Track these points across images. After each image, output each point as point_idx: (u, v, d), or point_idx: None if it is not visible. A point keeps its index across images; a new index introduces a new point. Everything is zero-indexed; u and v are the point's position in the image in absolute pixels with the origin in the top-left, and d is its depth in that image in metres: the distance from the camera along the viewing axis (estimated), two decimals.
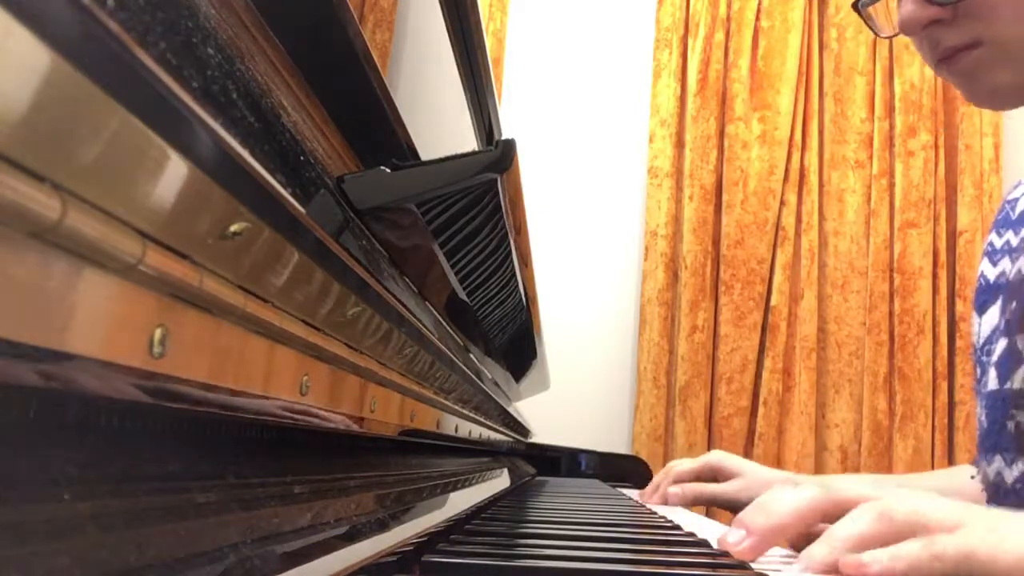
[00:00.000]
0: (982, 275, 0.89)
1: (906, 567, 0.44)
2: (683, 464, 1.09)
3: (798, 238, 2.41)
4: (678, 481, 1.06)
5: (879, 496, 0.50)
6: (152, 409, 0.21)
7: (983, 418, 0.82)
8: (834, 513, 0.50)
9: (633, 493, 1.19)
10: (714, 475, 1.06)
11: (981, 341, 0.85)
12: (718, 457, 1.08)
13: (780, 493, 0.54)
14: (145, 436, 0.22)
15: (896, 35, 0.79)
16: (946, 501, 0.49)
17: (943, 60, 0.75)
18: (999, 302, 0.83)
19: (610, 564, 0.40)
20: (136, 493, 0.19)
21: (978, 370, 0.85)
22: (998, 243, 0.88)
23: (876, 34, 0.83)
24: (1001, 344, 0.80)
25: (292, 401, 0.27)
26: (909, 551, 0.44)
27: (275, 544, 0.23)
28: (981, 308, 0.87)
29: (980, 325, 0.86)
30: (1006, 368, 0.78)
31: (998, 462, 0.79)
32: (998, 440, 0.78)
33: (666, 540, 0.53)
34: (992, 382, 0.80)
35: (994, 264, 0.87)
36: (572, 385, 2.27)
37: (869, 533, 0.47)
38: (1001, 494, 0.78)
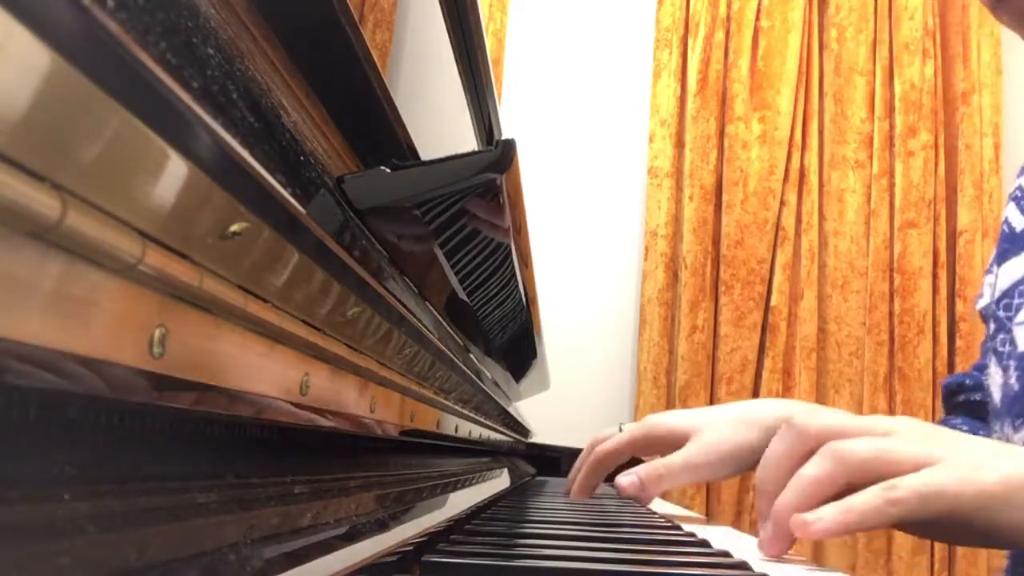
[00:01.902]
0: (1006, 222, 0.82)
1: (858, 518, 0.43)
2: (610, 445, 0.84)
3: (798, 238, 2.41)
4: (603, 464, 0.84)
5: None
6: (152, 409, 0.21)
7: (1013, 380, 0.75)
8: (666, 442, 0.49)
9: None
10: (652, 448, 0.83)
11: (998, 293, 0.79)
12: (652, 424, 0.83)
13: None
14: (145, 436, 0.22)
15: None
16: (923, 430, 0.48)
17: (1000, 1, 0.70)
18: None
19: (610, 564, 0.40)
20: (136, 493, 0.19)
21: (992, 325, 0.79)
22: None
23: None
24: None
25: (292, 401, 0.27)
26: (863, 501, 0.44)
27: (275, 544, 0.23)
28: (1002, 257, 0.80)
29: (998, 276, 0.80)
30: None
31: None
32: None
33: (666, 540, 0.53)
34: (1022, 343, 0.74)
35: (1023, 211, 0.80)
36: (572, 385, 2.27)
37: (828, 477, 0.47)
38: None
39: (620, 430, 0.86)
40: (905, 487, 0.44)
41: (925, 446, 0.47)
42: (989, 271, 0.83)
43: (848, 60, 2.48)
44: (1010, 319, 0.76)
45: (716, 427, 0.76)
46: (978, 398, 0.89)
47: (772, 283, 2.38)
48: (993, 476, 0.44)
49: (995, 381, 0.77)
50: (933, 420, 2.31)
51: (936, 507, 0.44)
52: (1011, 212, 0.82)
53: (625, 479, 0.68)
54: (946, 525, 0.45)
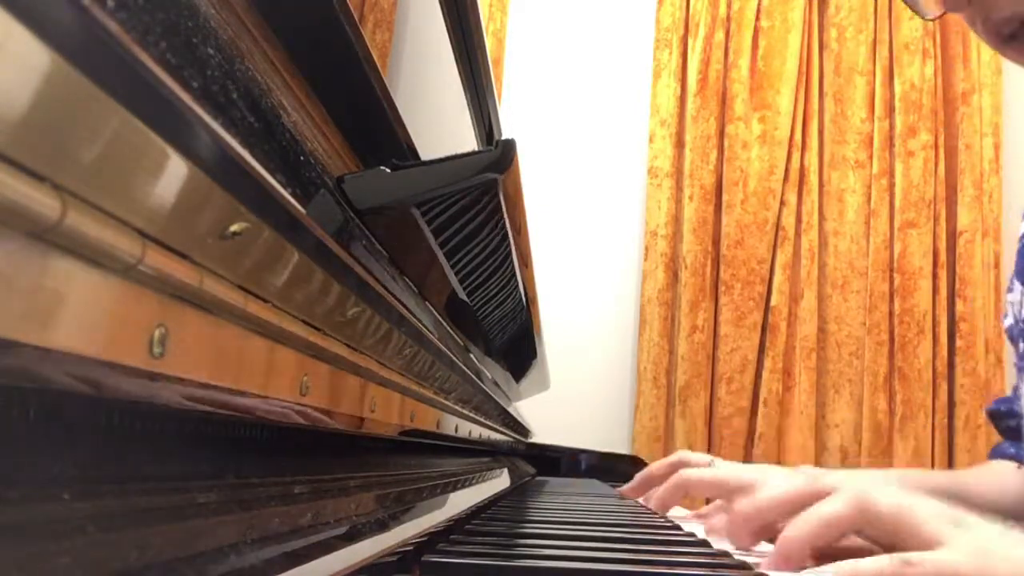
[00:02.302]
0: None
1: None
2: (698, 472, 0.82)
3: (798, 238, 2.41)
4: (684, 489, 0.81)
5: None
6: (152, 409, 0.21)
7: None
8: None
9: None
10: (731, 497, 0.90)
11: None
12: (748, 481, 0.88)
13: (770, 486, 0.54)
14: (145, 436, 0.22)
15: (943, 15, 0.72)
16: (937, 509, 0.47)
17: (1009, 40, 0.68)
18: None
19: (610, 564, 0.40)
20: (136, 493, 0.19)
21: (1021, 344, 0.78)
22: None
23: (922, 16, 0.75)
24: None
25: (292, 401, 0.27)
26: (877, 568, 0.43)
27: (275, 544, 0.23)
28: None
29: (1023, 293, 0.78)
30: None
31: None
32: None
33: (666, 540, 0.53)
34: None
35: None
36: (572, 385, 2.27)
37: (843, 520, 0.46)
38: None
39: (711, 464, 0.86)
40: (923, 564, 0.43)
41: (945, 522, 0.46)
42: (1010, 289, 0.82)
43: (848, 60, 2.48)
44: None
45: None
46: (1014, 424, 0.88)
47: (772, 283, 2.38)
48: (1006, 567, 0.43)
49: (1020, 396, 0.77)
50: (933, 420, 2.32)
51: None
52: None
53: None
54: None
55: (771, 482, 0.72)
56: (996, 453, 0.92)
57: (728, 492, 0.77)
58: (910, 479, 0.83)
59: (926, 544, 0.44)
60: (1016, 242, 0.82)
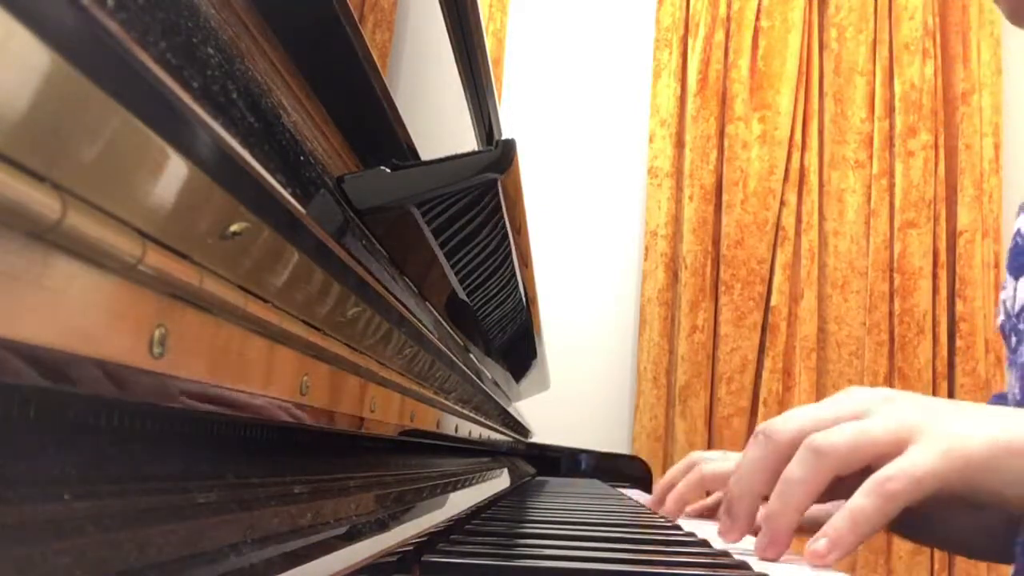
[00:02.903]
0: (1019, 233, 0.81)
1: (866, 526, 0.43)
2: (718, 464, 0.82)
3: (798, 238, 2.41)
4: (706, 483, 0.81)
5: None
6: (152, 409, 0.21)
7: (1016, 391, 0.76)
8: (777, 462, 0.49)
9: (633, 493, 1.19)
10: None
11: (1017, 307, 0.78)
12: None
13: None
14: (145, 436, 0.22)
15: None
16: (896, 401, 0.48)
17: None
18: None
19: (610, 564, 0.40)
20: (136, 493, 0.19)
21: (1012, 339, 0.78)
22: None
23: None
24: None
25: (292, 401, 0.27)
26: (862, 506, 0.44)
27: (275, 544, 0.23)
28: (1019, 271, 0.79)
29: (1017, 289, 0.79)
30: None
31: None
32: None
33: (666, 540, 0.53)
34: None
35: None
36: (572, 385, 2.27)
37: (814, 476, 0.46)
38: None
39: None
40: (898, 477, 0.44)
41: (902, 420, 0.46)
42: (1004, 287, 0.83)
43: (848, 60, 2.48)
44: None
45: None
46: None
47: (772, 283, 2.38)
48: (977, 443, 0.44)
49: (1013, 394, 0.77)
50: None
51: (930, 487, 0.44)
52: (1022, 223, 0.81)
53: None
54: (930, 511, 0.45)
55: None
56: None
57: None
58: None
59: (894, 450, 0.45)
60: (1012, 237, 0.82)
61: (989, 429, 0.45)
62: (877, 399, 0.49)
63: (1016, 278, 0.80)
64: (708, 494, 0.90)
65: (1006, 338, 0.82)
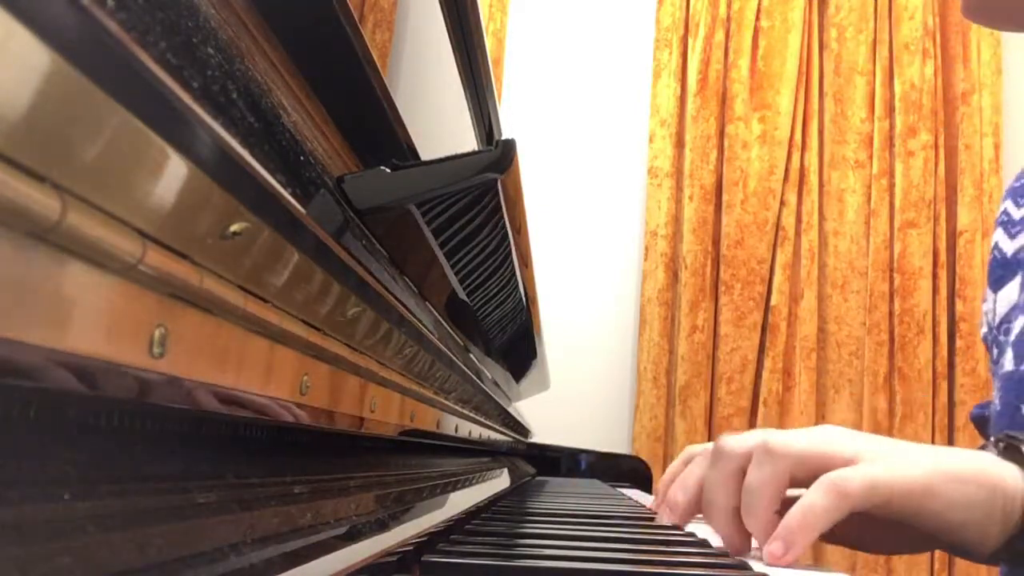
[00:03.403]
0: (996, 247, 0.82)
1: (820, 517, 0.46)
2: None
3: (798, 238, 2.41)
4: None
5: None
6: (152, 409, 0.21)
7: (996, 400, 0.78)
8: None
9: (633, 493, 1.19)
10: None
11: (998, 320, 0.80)
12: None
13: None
14: (145, 436, 0.22)
15: None
16: (850, 432, 0.51)
17: None
18: (1018, 277, 0.78)
19: (610, 564, 0.40)
20: (136, 493, 0.19)
21: (995, 351, 0.80)
22: (1016, 214, 0.81)
23: None
24: (1020, 322, 0.75)
25: (292, 401, 0.27)
26: (816, 499, 0.46)
27: (275, 544, 0.23)
28: (997, 283, 0.81)
29: (996, 302, 0.81)
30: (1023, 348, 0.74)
31: None
32: (1010, 424, 0.75)
33: (666, 540, 0.53)
34: (1008, 362, 0.76)
35: (1012, 237, 0.81)
36: (572, 385, 2.27)
37: (773, 475, 0.49)
38: None
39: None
40: (853, 478, 0.47)
41: (856, 442, 0.50)
42: (985, 300, 0.84)
43: (848, 60, 2.48)
44: (1007, 342, 0.77)
45: None
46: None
47: (772, 283, 2.38)
48: (922, 469, 0.48)
49: (994, 404, 0.79)
50: (933, 420, 2.32)
51: (877, 497, 0.46)
52: (1000, 237, 0.83)
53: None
54: (873, 523, 0.49)
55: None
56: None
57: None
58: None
59: (846, 464, 0.48)
60: (991, 251, 0.84)
61: (935, 459, 0.49)
62: (831, 428, 0.53)
63: (995, 291, 0.81)
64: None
65: (989, 349, 0.83)
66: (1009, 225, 0.82)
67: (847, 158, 2.46)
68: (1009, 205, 0.83)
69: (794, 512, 0.46)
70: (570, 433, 1.94)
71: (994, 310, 0.81)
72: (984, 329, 0.84)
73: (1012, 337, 0.76)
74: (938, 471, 0.48)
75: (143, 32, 0.16)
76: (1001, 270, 0.81)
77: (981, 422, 0.93)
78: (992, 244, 0.84)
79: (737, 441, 0.52)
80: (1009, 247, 0.81)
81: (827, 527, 0.46)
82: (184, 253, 0.18)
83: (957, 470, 0.48)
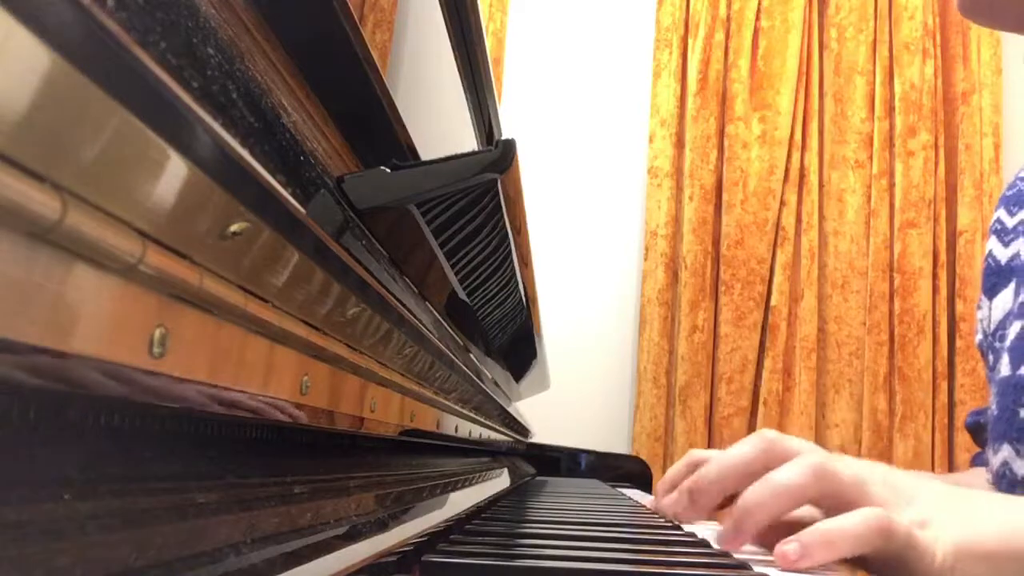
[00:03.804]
0: (990, 255, 0.83)
1: (832, 555, 0.43)
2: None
3: (798, 238, 2.41)
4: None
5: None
6: (152, 409, 0.21)
7: (993, 405, 0.78)
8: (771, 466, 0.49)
9: (633, 493, 1.19)
10: None
11: (993, 326, 0.80)
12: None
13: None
14: (145, 436, 0.22)
15: None
16: (892, 482, 0.49)
17: None
18: (1012, 284, 0.79)
19: (610, 564, 0.40)
20: (136, 493, 0.19)
21: (991, 357, 0.81)
22: (1010, 222, 0.82)
23: None
24: (1015, 328, 0.76)
25: (292, 401, 0.27)
26: (840, 532, 0.44)
27: (275, 544, 0.23)
28: (991, 291, 0.82)
29: (991, 309, 0.81)
30: (1020, 353, 0.74)
31: (1006, 451, 0.75)
32: (1007, 429, 0.74)
33: (666, 540, 0.53)
34: (1005, 368, 0.76)
35: (1005, 244, 0.81)
36: (572, 385, 2.27)
37: (802, 488, 0.46)
38: (1005, 485, 0.75)
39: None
40: (896, 519, 0.44)
41: (889, 491, 0.47)
42: (979, 307, 0.85)
43: (848, 60, 2.48)
44: (1002, 348, 0.77)
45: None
46: None
47: (772, 283, 2.38)
48: (926, 537, 0.45)
49: (992, 408, 0.79)
50: (933, 420, 2.32)
51: (902, 544, 0.44)
52: (994, 245, 0.83)
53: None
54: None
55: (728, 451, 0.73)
56: (978, 462, 0.93)
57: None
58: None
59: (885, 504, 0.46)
60: (984, 258, 0.85)
61: (947, 529, 0.45)
62: (871, 469, 0.51)
63: (990, 298, 0.82)
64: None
65: (984, 356, 0.84)
66: (1003, 233, 0.82)
67: (847, 158, 2.46)
68: (1002, 213, 0.84)
69: (827, 526, 0.44)
70: (570, 433, 1.94)
71: (989, 317, 0.82)
72: (979, 336, 0.85)
73: (1008, 343, 0.76)
74: (965, 544, 0.44)
75: (143, 32, 0.16)
76: (995, 277, 0.82)
77: (976, 429, 0.93)
78: (986, 252, 0.85)
79: (791, 442, 0.50)
80: (1003, 255, 0.81)
81: (844, 555, 0.44)
82: (184, 253, 0.18)
83: (981, 545, 0.44)
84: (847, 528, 0.44)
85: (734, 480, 0.52)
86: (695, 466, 0.85)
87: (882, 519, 0.44)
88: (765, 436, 0.52)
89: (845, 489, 0.46)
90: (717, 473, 0.53)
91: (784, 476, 0.47)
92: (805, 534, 0.44)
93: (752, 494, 0.47)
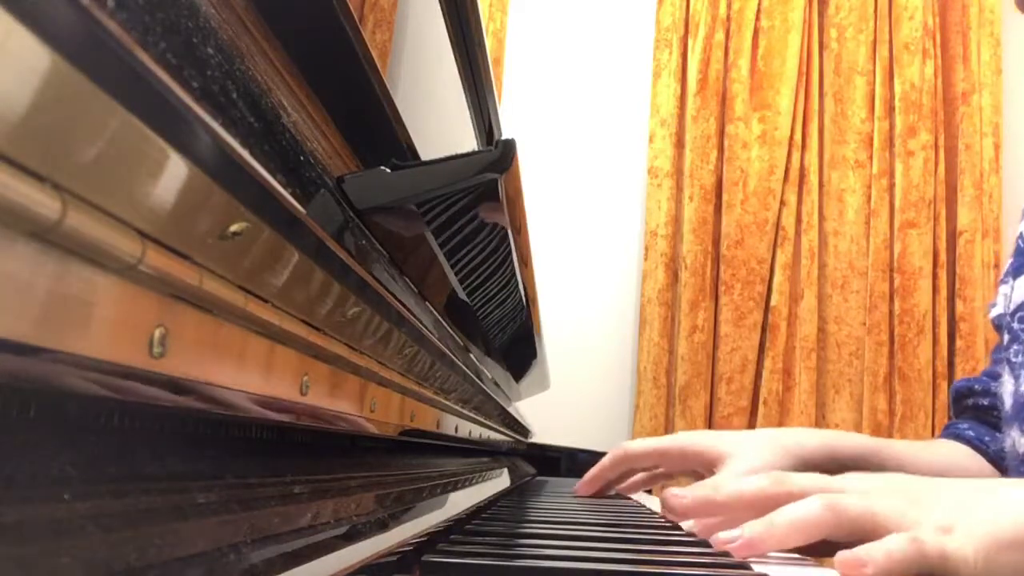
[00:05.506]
0: (1021, 236, 0.84)
1: (898, 564, 0.43)
2: (640, 445, 0.85)
3: (798, 238, 2.41)
4: (624, 461, 0.86)
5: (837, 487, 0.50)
6: (152, 409, 0.21)
7: (1010, 389, 0.78)
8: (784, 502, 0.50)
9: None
10: (683, 462, 0.84)
11: (1013, 306, 0.80)
12: (689, 441, 0.83)
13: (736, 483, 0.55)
14: (145, 436, 0.22)
15: None
16: (903, 506, 0.48)
17: None
18: None
19: (610, 564, 0.40)
20: (136, 493, 0.19)
21: (1006, 336, 0.81)
22: None
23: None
24: None
25: (292, 401, 0.27)
26: (900, 547, 0.43)
27: (275, 544, 0.23)
28: (1019, 270, 0.82)
29: (1014, 288, 0.81)
30: None
31: None
32: None
33: (666, 540, 0.53)
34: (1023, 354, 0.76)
35: None
36: (572, 385, 2.27)
37: (817, 523, 0.47)
38: None
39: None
40: (930, 543, 0.44)
41: (904, 504, 0.47)
42: (1004, 281, 0.85)
43: (848, 60, 2.48)
44: (1022, 330, 0.77)
45: (748, 455, 0.76)
46: (986, 403, 0.90)
47: (772, 283, 2.38)
48: (955, 543, 0.44)
49: (1007, 389, 0.79)
50: (933, 420, 2.32)
51: (920, 567, 0.44)
52: None
53: (675, 499, 0.60)
54: None
55: (736, 466, 0.73)
56: (951, 433, 0.92)
57: (679, 459, 0.79)
58: (828, 442, 0.80)
59: (895, 530, 0.45)
60: (1015, 239, 0.85)
61: (973, 529, 0.44)
62: (878, 481, 0.51)
63: (1015, 277, 0.82)
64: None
65: (998, 330, 0.84)
66: None
67: (847, 158, 2.46)
68: None
69: (877, 551, 0.43)
70: (570, 433, 1.94)
71: (1011, 296, 0.82)
72: (999, 310, 0.84)
73: None
74: (978, 541, 0.43)
75: (143, 32, 0.16)
76: (1023, 258, 0.82)
77: (958, 397, 0.93)
78: (1018, 233, 0.85)
79: (793, 477, 0.51)
80: None
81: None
82: (184, 253, 0.18)
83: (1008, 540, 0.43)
84: (894, 553, 0.43)
85: (743, 511, 0.52)
86: (622, 462, 0.87)
87: (911, 545, 0.43)
88: (773, 476, 0.53)
89: (856, 522, 0.47)
90: (730, 501, 0.54)
91: (799, 514, 0.47)
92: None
93: (768, 528, 0.48)
